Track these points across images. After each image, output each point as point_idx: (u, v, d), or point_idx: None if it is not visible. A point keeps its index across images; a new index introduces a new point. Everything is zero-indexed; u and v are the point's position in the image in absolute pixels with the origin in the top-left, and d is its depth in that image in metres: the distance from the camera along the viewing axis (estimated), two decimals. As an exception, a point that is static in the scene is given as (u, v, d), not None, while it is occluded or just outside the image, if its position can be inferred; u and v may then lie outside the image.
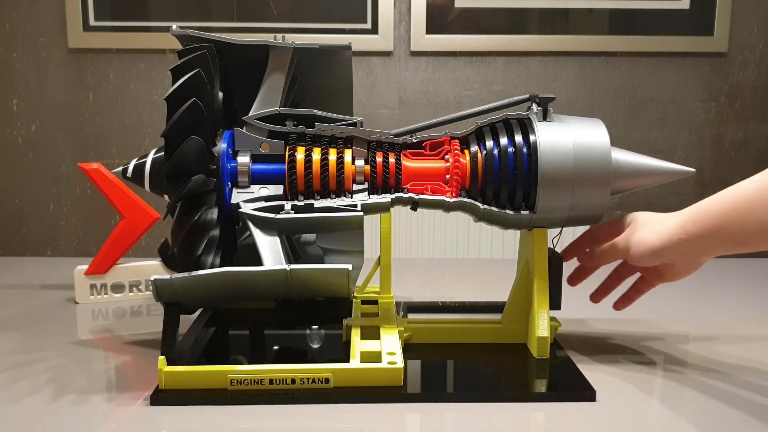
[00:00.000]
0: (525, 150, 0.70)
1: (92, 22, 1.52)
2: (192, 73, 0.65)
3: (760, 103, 1.60)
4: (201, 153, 0.67)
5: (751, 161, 1.61)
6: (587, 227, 0.75)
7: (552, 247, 0.74)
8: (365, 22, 1.54)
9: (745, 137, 1.61)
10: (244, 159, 0.71)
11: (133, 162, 0.75)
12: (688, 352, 0.76)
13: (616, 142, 0.69)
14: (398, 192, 0.72)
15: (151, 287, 0.65)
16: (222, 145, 0.71)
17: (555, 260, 0.73)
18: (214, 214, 0.70)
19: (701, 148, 1.62)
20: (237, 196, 0.71)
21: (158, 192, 0.75)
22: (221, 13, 1.54)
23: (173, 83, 0.66)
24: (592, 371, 0.68)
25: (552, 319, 0.73)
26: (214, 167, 0.69)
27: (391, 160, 0.72)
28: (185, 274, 0.63)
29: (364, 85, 1.58)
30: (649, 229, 0.67)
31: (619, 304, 0.76)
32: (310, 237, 0.86)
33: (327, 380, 0.62)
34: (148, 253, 1.49)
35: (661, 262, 0.68)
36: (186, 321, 0.73)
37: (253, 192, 0.71)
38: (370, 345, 0.68)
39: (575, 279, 0.78)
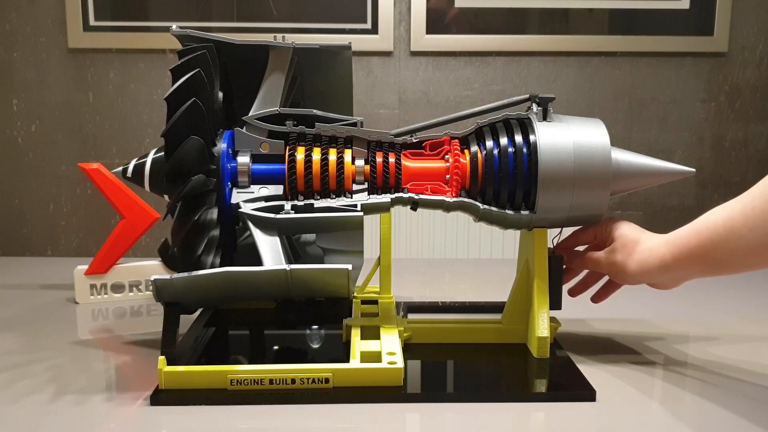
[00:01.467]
0: (525, 150, 0.70)
1: (92, 22, 1.52)
2: (192, 73, 0.65)
3: (760, 103, 1.61)
4: (201, 153, 0.67)
5: (751, 161, 1.61)
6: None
7: (552, 247, 0.74)
8: (365, 22, 1.54)
9: (745, 137, 1.61)
10: (244, 159, 0.71)
11: (133, 162, 0.75)
12: (688, 352, 0.76)
13: (616, 142, 0.69)
14: (398, 192, 0.72)
15: (151, 287, 0.65)
16: (222, 145, 0.71)
17: (555, 260, 0.72)
18: (214, 214, 0.70)
19: (701, 148, 1.62)
20: (237, 196, 0.71)
21: (158, 192, 0.75)
22: (221, 13, 1.54)
23: (173, 83, 0.66)
24: (592, 371, 0.68)
25: (552, 319, 0.73)
26: (214, 167, 0.69)
27: (391, 160, 0.72)
28: (185, 274, 0.63)
29: (364, 85, 1.58)
30: (633, 257, 0.68)
31: (596, 298, 0.77)
32: (310, 237, 0.86)
33: (327, 380, 0.62)
34: (148, 253, 1.49)
35: (641, 284, 0.71)
36: (186, 321, 0.73)
37: (253, 192, 0.71)
38: (370, 345, 0.68)
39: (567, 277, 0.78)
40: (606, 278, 0.76)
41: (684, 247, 0.64)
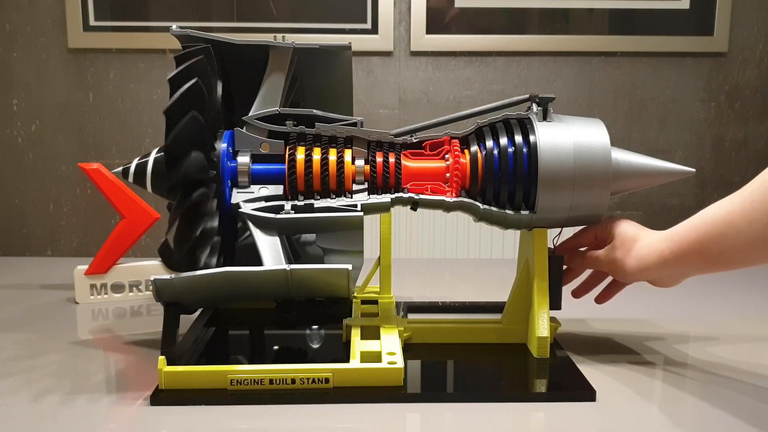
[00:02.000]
0: (525, 150, 0.70)
1: (92, 22, 1.52)
2: (190, 84, 0.65)
3: (760, 103, 1.61)
4: (200, 130, 0.66)
5: (750, 161, 1.61)
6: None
7: (552, 247, 0.74)
8: (365, 22, 1.54)
9: (745, 137, 1.61)
10: (244, 159, 0.71)
11: (135, 162, 0.75)
12: (688, 352, 0.76)
13: (616, 142, 0.69)
14: (398, 192, 0.72)
15: (151, 287, 0.65)
16: (222, 145, 0.71)
17: (555, 260, 0.72)
18: (212, 204, 0.70)
19: (701, 148, 1.62)
20: (237, 196, 0.71)
21: (160, 193, 0.75)
22: (221, 13, 1.54)
23: (171, 93, 0.65)
24: (592, 371, 0.68)
25: (552, 319, 0.73)
26: (215, 172, 0.69)
27: (391, 160, 0.72)
28: (185, 274, 0.63)
29: (364, 85, 1.58)
30: (632, 254, 0.68)
31: (600, 298, 0.77)
32: (310, 237, 0.86)
33: (327, 380, 0.62)
34: (148, 253, 1.49)
35: (640, 281, 0.70)
36: (186, 321, 0.73)
37: (253, 192, 0.71)
38: (370, 345, 0.68)
39: (568, 278, 0.78)
40: (609, 279, 0.76)
41: (683, 242, 0.63)
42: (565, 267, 0.75)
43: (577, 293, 0.78)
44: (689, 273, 0.67)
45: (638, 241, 0.68)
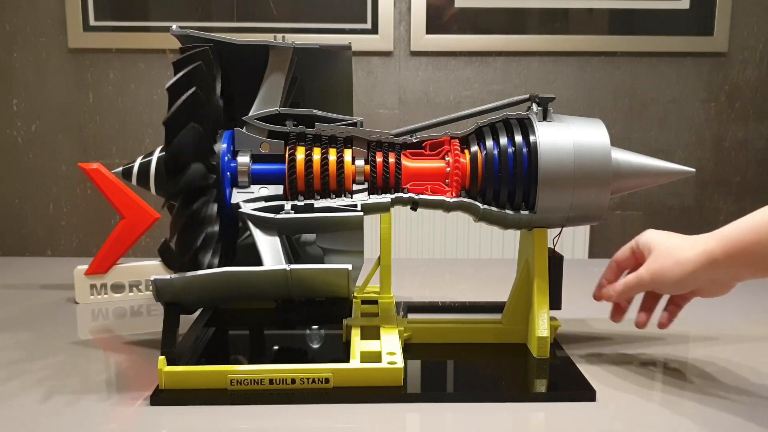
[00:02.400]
0: (525, 150, 0.70)
1: (92, 22, 1.53)
2: (194, 65, 0.65)
3: (760, 103, 1.61)
4: (200, 141, 0.66)
5: (750, 161, 1.61)
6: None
7: (552, 247, 0.74)
8: (365, 22, 1.54)
9: (745, 137, 1.61)
10: (244, 159, 0.71)
11: (138, 162, 0.75)
12: (688, 352, 0.76)
13: (616, 142, 0.69)
14: (398, 192, 0.72)
15: (151, 287, 0.65)
16: (222, 145, 0.71)
17: (555, 260, 0.73)
18: (213, 209, 0.70)
19: (701, 148, 1.62)
20: (237, 196, 0.71)
21: (163, 195, 0.75)
22: (221, 13, 1.54)
23: (169, 103, 0.65)
24: (592, 371, 0.68)
25: (552, 319, 0.73)
26: (214, 163, 0.69)
27: (391, 160, 0.72)
28: (185, 274, 0.63)
29: (364, 85, 1.58)
30: (671, 260, 0.64)
31: (662, 323, 0.72)
32: (310, 237, 0.86)
33: (327, 380, 0.62)
34: (148, 253, 1.49)
35: (689, 290, 0.66)
36: (186, 321, 0.73)
37: (253, 192, 0.71)
38: (370, 345, 0.68)
39: (617, 315, 0.74)
40: (664, 299, 0.72)
41: (737, 241, 0.59)
42: (613, 305, 0.72)
43: (641, 323, 0.71)
44: (740, 276, 0.63)
45: (680, 245, 0.64)
